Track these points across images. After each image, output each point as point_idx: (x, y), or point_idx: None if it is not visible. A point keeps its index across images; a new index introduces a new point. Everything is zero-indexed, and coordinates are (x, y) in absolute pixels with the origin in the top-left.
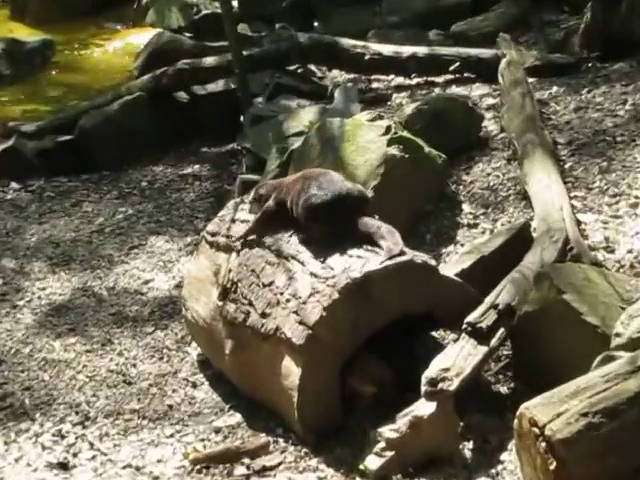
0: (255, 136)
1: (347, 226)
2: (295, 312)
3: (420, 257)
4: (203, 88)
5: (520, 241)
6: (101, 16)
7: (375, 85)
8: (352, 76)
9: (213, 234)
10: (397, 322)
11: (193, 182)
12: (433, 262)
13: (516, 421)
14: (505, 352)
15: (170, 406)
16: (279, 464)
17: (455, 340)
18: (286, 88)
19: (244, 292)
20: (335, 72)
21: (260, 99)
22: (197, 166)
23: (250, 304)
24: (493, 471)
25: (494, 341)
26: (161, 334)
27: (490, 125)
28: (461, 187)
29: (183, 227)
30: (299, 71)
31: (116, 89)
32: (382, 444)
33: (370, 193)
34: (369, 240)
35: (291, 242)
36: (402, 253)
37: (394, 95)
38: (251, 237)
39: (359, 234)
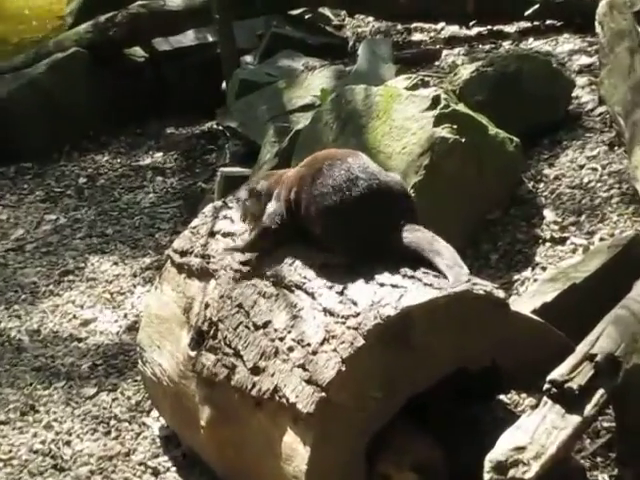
0: (243, 111)
1: (387, 239)
2: (301, 366)
3: (482, 286)
4: (167, 42)
5: (627, 263)
6: None
7: (417, 37)
8: (384, 24)
9: (183, 253)
10: (450, 380)
11: (153, 178)
12: (501, 293)
13: None
14: (606, 424)
15: None
16: None
17: (533, 407)
18: (288, 42)
19: (228, 337)
20: (359, 19)
21: (250, 58)
22: (159, 155)
23: (236, 354)
24: None
25: (590, 408)
26: (107, 398)
27: (584, 95)
28: (542, 185)
29: (139, 243)
30: (307, 17)
31: (42, 43)
32: None
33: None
34: (417, 260)
35: (295, 264)
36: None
37: (444, 52)
38: (244, 260)
39: (402, 252)
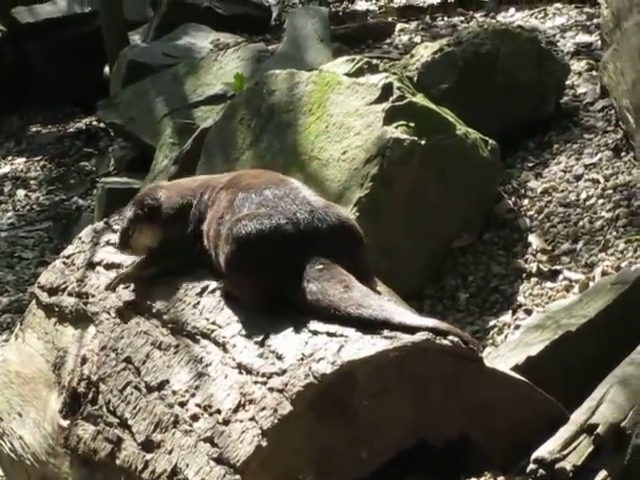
0: (132, 103)
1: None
2: (209, 440)
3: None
4: (32, 12)
5: (637, 305)
6: None
7: (362, 6)
8: None
9: (52, 291)
10: (405, 458)
11: (13, 191)
12: (473, 345)
13: None
14: None
15: None
16: None
17: None
18: (192, 11)
19: (111, 402)
20: None
21: (141, 33)
22: (20, 160)
23: (123, 425)
24: None
25: None
26: None
27: (582, 84)
28: (526, 202)
29: None
30: None
31: None
32: None
33: (352, 214)
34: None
35: (202, 306)
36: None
37: (398, 26)
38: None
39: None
